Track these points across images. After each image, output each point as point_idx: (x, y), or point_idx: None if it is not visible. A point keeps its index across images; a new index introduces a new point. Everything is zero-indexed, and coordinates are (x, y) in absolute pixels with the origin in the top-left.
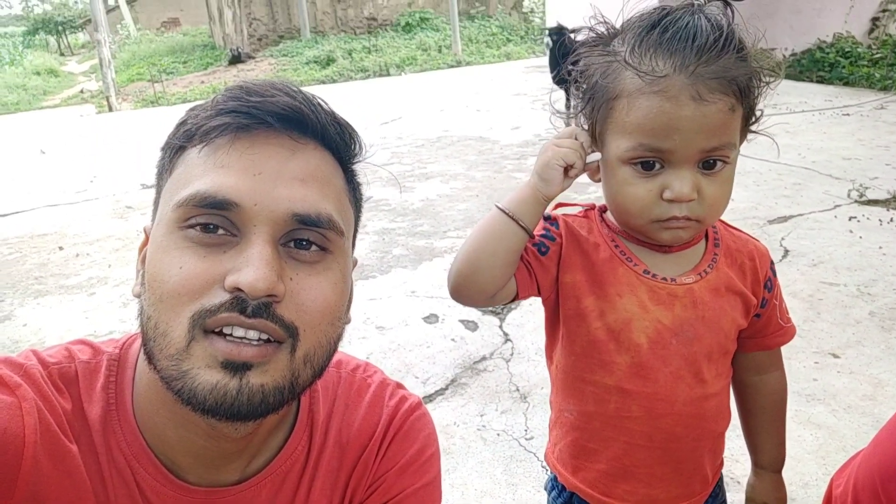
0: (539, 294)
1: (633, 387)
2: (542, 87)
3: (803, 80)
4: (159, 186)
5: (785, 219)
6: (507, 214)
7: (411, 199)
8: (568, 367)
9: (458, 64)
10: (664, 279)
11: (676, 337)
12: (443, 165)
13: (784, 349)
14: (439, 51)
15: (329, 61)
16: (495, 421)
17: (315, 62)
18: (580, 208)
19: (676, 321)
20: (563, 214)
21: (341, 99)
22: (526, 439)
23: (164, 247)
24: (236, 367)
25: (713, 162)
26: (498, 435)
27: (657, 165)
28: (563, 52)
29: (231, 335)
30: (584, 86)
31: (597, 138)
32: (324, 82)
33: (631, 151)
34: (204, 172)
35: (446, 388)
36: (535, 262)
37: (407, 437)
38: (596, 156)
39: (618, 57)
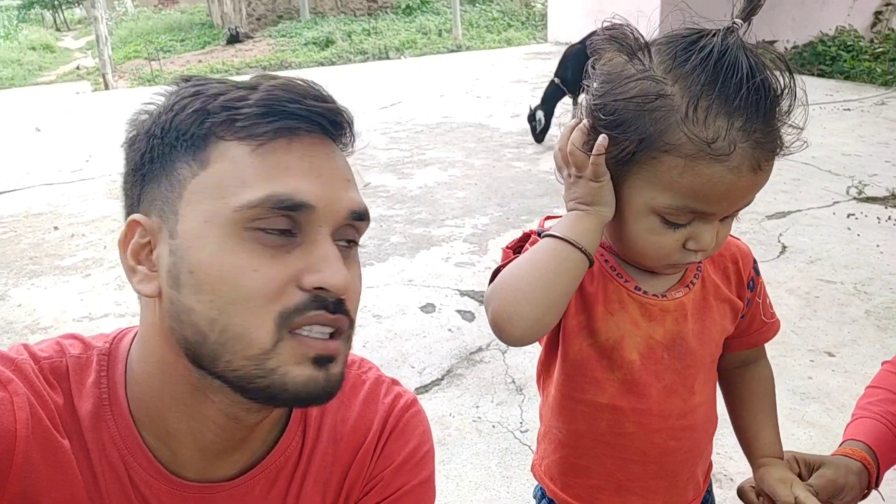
0: None
1: (626, 403)
2: (541, 74)
3: (804, 74)
4: (176, 177)
5: (783, 214)
6: (579, 249)
7: (409, 186)
8: (559, 384)
9: (459, 49)
10: (655, 295)
11: (668, 351)
12: (441, 152)
13: (779, 347)
14: (439, 35)
15: (328, 43)
16: (490, 412)
17: (314, 43)
18: None
19: (668, 335)
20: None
21: (340, 82)
22: (521, 431)
23: (229, 249)
24: (323, 361)
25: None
26: (493, 427)
27: (688, 220)
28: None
29: (310, 332)
30: (610, 112)
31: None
32: (322, 64)
33: (671, 209)
34: (267, 173)
35: (442, 379)
36: None
37: (402, 434)
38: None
39: (673, 106)
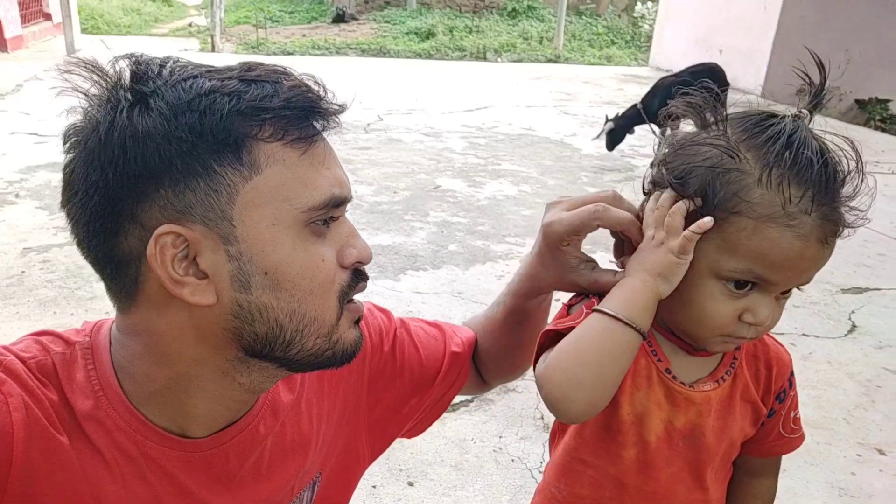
0: None
1: (633, 482)
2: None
3: None
4: (221, 182)
5: (860, 290)
6: (636, 331)
7: (478, 196)
8: (569, 445)
9: (557, 59)
10: (683, 384)
11: (685, 440)
12: (517, 165)
13: (826, 434)
14: (540, 42)
15: (429, 35)
16: (512, 445)
17: (415, 33)
18: None
19: (688, 425)
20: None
21: (434, 77)
22: (539, 472)
23: (301, 246)
24: (359, 320)
25: (790, 289)
26: (512, 461)
27: (749, 286)
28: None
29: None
30: (680, 176)
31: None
32: (420, 56)
33: (735, 273)
34: (319, 174)
35: (471, 401)
36: None
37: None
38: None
39: (746, 170)
